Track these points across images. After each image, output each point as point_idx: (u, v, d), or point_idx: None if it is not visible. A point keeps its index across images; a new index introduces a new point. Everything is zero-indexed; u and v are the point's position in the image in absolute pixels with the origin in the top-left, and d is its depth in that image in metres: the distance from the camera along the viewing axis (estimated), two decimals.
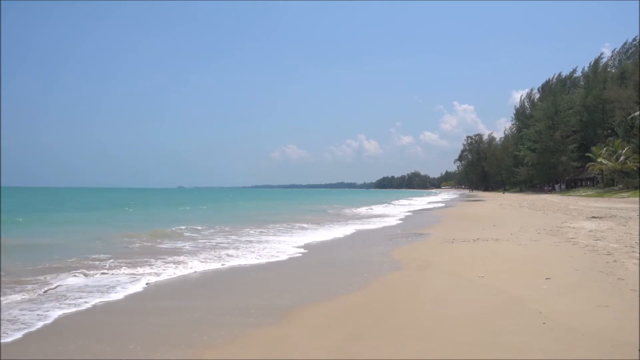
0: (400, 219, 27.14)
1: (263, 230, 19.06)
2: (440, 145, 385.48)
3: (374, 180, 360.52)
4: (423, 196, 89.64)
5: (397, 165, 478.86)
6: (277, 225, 21.32)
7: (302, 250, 13.57)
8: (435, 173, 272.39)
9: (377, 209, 39.71)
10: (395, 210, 38.96)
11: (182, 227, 19.47)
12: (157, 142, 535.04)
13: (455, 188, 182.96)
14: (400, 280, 8.85)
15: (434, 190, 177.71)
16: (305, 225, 21.81)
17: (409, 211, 36.47)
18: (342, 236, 17.73)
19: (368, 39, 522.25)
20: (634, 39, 74.53)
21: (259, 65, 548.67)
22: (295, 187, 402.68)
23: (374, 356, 4.76)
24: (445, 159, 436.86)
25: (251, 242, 15.20)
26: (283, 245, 14.49)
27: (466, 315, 6.10)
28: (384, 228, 21.39)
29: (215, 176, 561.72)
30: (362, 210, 38.03)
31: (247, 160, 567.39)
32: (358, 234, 18.79)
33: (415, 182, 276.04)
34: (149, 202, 59.00)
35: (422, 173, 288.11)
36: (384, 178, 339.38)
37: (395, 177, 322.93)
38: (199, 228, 19.68)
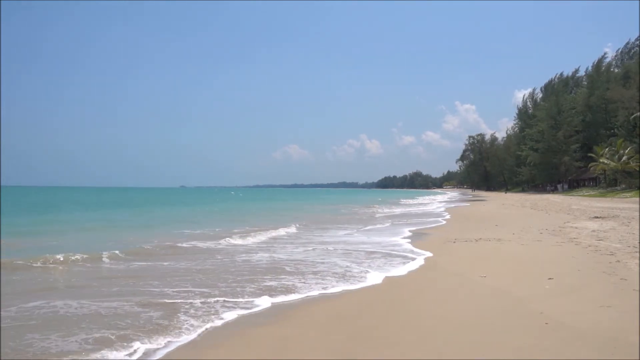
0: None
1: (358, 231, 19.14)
2: (442, 145, 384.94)
3: (375, 180, 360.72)
4: (429, 195, 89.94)
5: (398, 165, 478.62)
6: (379, 226, 21.79)
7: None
8: (437, 173, 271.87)
9: (402, 209, 39.55)
10: (435, 209, 38.45)
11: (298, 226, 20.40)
12: (157, 141, 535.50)
13: (457, 188, 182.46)
14: (401, 280, 8.84)
15: (437, 190, 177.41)
16: (374, 228, 21.38)
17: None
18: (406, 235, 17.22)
19: (369, 39, 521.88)
20: (636, 39, 74.47)
21: (260, 67, 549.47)
22: (297, 186, 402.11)
23: (374, 356, 4.74)
24: (447, 158, 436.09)
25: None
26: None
27: (468, 315, 6.08)
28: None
29: (216, 176, 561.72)
30: (388, 210, 37.81)
31: (248, 160, 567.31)
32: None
33: (417, 182, 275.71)
34: (204, 201, 60.51)
35: (424, 173, 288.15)
36: (385, 178, 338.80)
37: (397, 176, 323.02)
38: (298, 223, 20.89)
